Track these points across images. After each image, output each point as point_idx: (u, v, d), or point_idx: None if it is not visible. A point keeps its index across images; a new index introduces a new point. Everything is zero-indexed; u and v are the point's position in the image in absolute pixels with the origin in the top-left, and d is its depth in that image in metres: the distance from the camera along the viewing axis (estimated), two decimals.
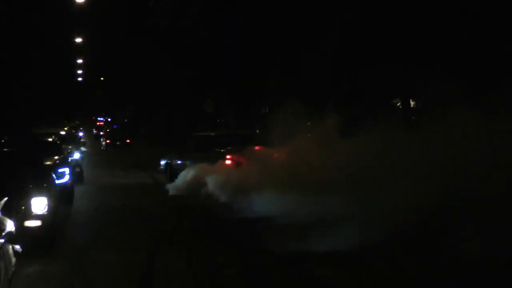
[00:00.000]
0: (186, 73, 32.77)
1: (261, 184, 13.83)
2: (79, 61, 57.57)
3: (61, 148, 16.47)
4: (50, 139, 17.76)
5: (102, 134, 62.48)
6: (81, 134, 56.18)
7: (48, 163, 14.68)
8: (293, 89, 15.11)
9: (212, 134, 19.59)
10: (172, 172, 18.91)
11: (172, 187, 17.10)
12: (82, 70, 64.93)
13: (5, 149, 10.84)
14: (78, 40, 48.01)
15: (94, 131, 72.16)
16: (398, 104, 20.93)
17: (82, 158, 22.48)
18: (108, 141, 52.15)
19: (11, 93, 33.06)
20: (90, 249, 9.75)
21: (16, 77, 33.17)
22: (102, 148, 50.81)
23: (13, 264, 6.21)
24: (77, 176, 19.96)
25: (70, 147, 20.93)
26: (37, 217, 8.87)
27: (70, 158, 19.39)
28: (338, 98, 20.70)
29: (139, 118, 53.29)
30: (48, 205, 9.06)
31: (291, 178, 13.58)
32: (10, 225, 6.30)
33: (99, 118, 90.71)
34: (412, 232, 9.54)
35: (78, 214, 13.94)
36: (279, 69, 24.17)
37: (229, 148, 16.83)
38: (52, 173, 11.43)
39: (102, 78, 71.09)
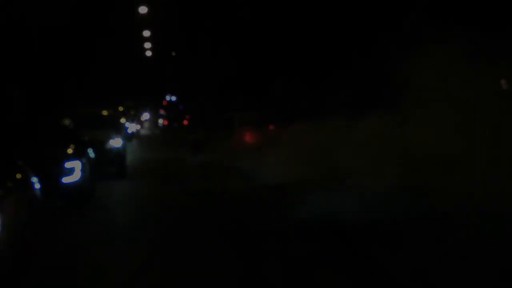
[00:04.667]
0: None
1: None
2: (147, 33, 54.99)
3: (74, 136, 13.40)
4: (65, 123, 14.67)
5: (161, 115, 61.01)
6: (146, 116, 54.44)
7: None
8: None
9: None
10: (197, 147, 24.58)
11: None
12: (151, 44, 62.61)
13: None
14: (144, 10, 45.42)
15: (161, 111, 69.99)
16: None
17: (123, 145, 19.46)
18: (165, 122, 51.00)
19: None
20: None
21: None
22: (158, 130, 49.72)
23: None
24: (117, 168, 18.35)
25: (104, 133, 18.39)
26: None
27: (108, 146, 18.05)
28: None
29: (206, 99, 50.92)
30: None
31: None
32: None
33: (170, 98, 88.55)
34: None
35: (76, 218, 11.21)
36: None
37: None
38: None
39: (173, 53, 68.91)
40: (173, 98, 77.67)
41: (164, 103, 78.44)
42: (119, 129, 20.81)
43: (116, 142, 18.64)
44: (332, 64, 26.40)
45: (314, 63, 28.86)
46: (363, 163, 14.08)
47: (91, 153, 13.94)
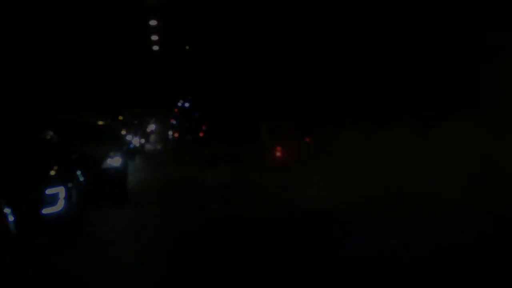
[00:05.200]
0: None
1: None
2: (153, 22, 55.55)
3: (58, 153, 13.21)
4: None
5: (172, 125, 62.13)
6: (152, 127, 54.97)
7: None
8: None
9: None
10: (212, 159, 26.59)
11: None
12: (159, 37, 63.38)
13: None
14: None
15: (172, 121, 71.02)
16: None
17: (124, 163, 19.73)
18: (176, 134, 51.59)
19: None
20: None
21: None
22: (168, 144, 50.63)
23: None
24: (115, 193, 18.62)
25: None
26: None
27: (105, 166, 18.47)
28: None
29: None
30: None
31: None
32: None
33: (183, 104, 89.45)
34: None
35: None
36: None
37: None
38: None
39: (187, 47, 69.77)
40: (186, 105, 78.40)
41: (176, 110, 79.27)
42: (119, 143, 20.83)
43: (114, 160, 18.83)
44: (385, 59, 26.52)
45: (359, 58, 29.07)
46: (435, 181, 13.66)
47: (80, 175, 13.71)
